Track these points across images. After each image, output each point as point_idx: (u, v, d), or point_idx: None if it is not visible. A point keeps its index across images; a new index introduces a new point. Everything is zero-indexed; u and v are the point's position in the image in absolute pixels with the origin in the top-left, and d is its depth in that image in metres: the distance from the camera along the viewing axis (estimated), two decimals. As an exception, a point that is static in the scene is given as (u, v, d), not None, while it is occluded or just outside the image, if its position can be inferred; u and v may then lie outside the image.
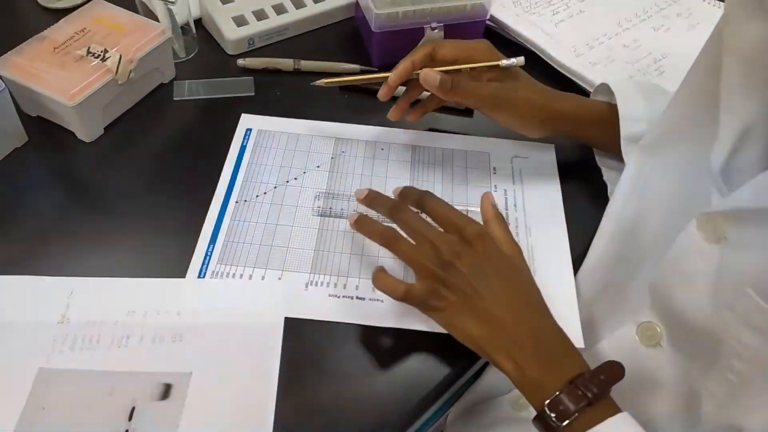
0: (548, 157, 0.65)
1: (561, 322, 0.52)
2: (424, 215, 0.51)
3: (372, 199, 0.53)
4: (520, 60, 0.59)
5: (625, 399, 0.44)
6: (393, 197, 0.54)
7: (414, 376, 0.50)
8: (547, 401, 0.43)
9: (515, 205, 0.61)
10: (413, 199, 0.52)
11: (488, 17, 0.74)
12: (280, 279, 0.54)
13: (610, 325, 0.53)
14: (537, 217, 0.60)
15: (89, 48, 0.62)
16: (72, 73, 0.60)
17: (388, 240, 0.50)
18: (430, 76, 0.56)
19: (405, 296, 0.48)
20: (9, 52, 0.61)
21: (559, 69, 0.73)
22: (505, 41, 0.78)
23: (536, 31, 0.76)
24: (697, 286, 0.44)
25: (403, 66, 0.58)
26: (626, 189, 0.56)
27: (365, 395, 0.49)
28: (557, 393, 0.43)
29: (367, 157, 0.64)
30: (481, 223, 0.52)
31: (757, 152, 0.42)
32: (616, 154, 0.60)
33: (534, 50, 0.74)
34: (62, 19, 0.65)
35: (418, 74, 0.57)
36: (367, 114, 0.68)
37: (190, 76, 0.71)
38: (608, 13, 0.80)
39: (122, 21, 0.66)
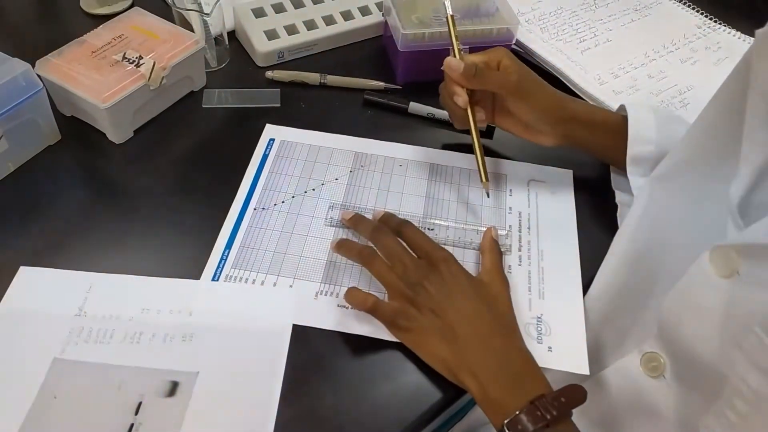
0: (566, 181, 0.65)
1: (568, 348, 0.53)
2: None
3: (356, 221, 0.58)
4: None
5: (624, 428, 0.44)
6: (371, 219, 0.57)
7: (415, 392, 0.50)
8: (507, 420, 0.44)
9: (529, 228, 0.61)
10: (393, 225, 0.56)
11: (514, 42, 0.75)
12: (291, 287, 0.55)
13: (614, 353, 0.53)
14: (550, 242, 0.60)
15: (125, 54, 0.64)
16: (107, 77, 0.62)
17: (365, 258, 0.54)
18: (454, 62, 0.58)
19: (372, 308, 0.51)
20: (49, 54, 0.64)
21: (582, 96, 0.73)
22: (531, 66, 0.78)
23: (561, 57, 0.77)
24: (705, 320, 0.43)
25: (456, 88, 0.59)
26: (637, 217, 0.56)
27: (366, 406, 0.49)
28: (517, 413, 0.44)
29: (385, 173, 0.65)
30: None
31: None
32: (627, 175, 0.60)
33: (558, 76, 0.75)
34: (102, 25, 0.68)
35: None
36: (388, 130, 0.69)
37: (220, 85, 0.73)
38: (636, 44, 0.80)
39: (158, 30, 0.68)
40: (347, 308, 0.54)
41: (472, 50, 0.72)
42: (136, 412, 0.46)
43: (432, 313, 0.49)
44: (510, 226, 0.61)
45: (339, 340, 0.52)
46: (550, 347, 0.53)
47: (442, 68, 0.60)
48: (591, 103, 0.63)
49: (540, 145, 0.62)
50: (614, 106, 0.71)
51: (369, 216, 0.59)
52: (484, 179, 0.60)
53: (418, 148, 0.68)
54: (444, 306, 0.49)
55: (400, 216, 0.58)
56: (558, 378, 0.49)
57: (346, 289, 0.53)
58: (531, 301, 0.56)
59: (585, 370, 0.51)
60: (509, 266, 0.58)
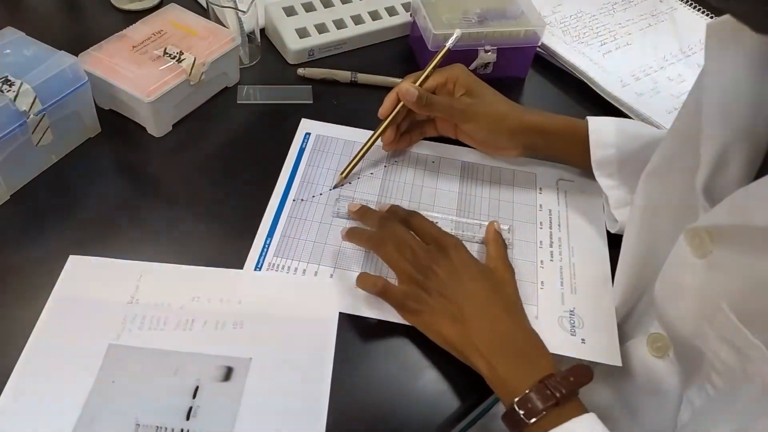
0: (595, 180, 0.67)
1: (601, 341, 0.55)
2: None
3: (363, 213, 0.59)
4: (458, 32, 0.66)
5: (633, 407, 0.46)
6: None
7: (456, 382, 0.52)
8: (517, 399, 0.46)
9: (559, 225, 0.64)
10: (400, 216, 0.57)
11: (540, 44, 0.78)
12: (332, 276, 0.57)
13: (622, 336, 0.55)
14: (580, 239, 0.62)
15: (166, 49, 0.66)
16: (149, 71, 0.64)
17: (374, 243, 0.56)
18: (410, 92, 0.61)
19: (383, 291, 0.53)
20: (90, 48, 0.65)
21: (606, 98, 0.75)
22: (554, 69, 0.81)
23: (584, 59, 0.79)
24: (684, 298, 0.47)
25: (389, 99, 0.64)
26: (639, 212, 0.58)
27: (412, 394, 0.51)
28: (526, 391, 0.45)
29: (419, 169, 0.67)
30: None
31: (736, 173, 0.45)
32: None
33: (582, 78, 0.77)
34: (140, 21, 0.69)
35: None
36: (420, 128, 0.71)
37: (252, 82, 0.74)
38: (654, 47, 0.83)
39: (196, 26, 0.70)
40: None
41: (499, 51, 0.75)
42: (194, 396, 0.47)
43: (441, 296, 0.51)
44: (541, 223, 0.63)
45: (382, 328, 0.54)
46: (583, 339, 0.55)
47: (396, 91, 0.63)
48: (585, 122, 0.65)
49: (505, 158, 0.67)
50: (638, 108, 0.74)
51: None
52: (340, 173, 0.64)
53: (449, 146, 0.69)
54: (452, 289, 0.51)
55: (435, 209, 0.61)
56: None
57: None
58: (564, 295, 0.58)
59: (618, 361, 0.53)
60: (541, 261, 0.60)
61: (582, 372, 0.47)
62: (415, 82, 0.63)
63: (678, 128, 0.54)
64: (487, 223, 0.61)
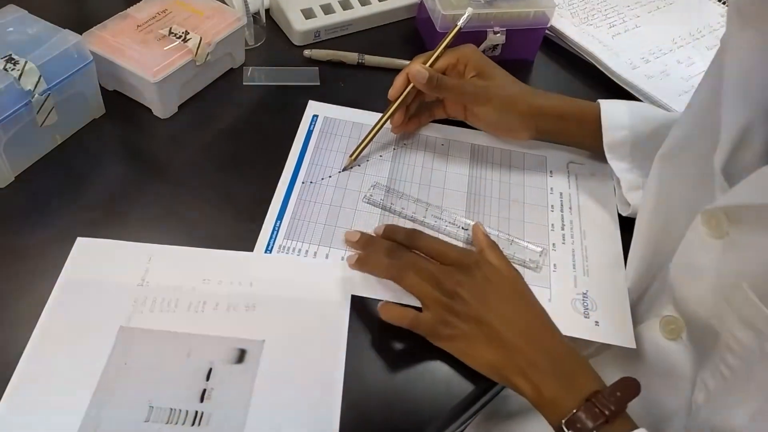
0: (605, 163, 0.67)
1: (614, 323, 0.54)
2: None
3: (365, 243, 0.53)
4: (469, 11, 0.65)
5: (646, 389, 0.46)
6: (373, 233, 0.55)
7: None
8: (564, 420, 0.44)
9: (570, 208, 0.63)
10: (402, 237, 0.53)
11: (549, 26, 0.77)
12: (343, 259, 0.56)
13: (634, 319, 0.55)
14: (592, 220, 0.62)
15: (171, 28, 0.64)
16: (154, 51, 0.62)
17: (394, 273, 0.51)
18: (421, 73, 0.60)
19: (414, 324, 0.50)
20: (94, 27, 0.64)
21: (616, 81, 0.75)
22: (562, 52, 0.80)
23: (593, 42, 0.78)
24: (700, 279, 0.46)
25: (399, 80, 0.62)
26: (653, 195, 0.57)
27: (426, 376, 0.51)
28: (574, 411, 0.44)
29: (428, 152, 0.66)
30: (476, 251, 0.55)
31: (757, 152, 0.44)
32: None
33: (592, 61, 0.77)
34: (143, 0, 0.68)
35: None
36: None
37: (257, 63, 0.73)
38: (663, 30, 0.82)
39: (200, 6, 0.68)
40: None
41: (508, 32, 0.74)
42: (207, 378, 0.47)
43: (473, 320, 0.49)
44: (552, 206, 0.63)
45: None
46: (596, 322, 0.55)
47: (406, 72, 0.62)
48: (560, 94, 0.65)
49: (515, 140, 0.66)
50: (648, 91, 0.73)
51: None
52: (349, 155, 0.63)
53: (458, 129, 0.69)
54: (484, 311, 0.49)
55: (445, 192, 0.60)
56: None
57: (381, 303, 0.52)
58: (576, 278, 0.58)
59: (632, 343, 0.53)
60: (553, 244, 0.60)
61: (628, 385, 0.45)
62: (425, 63, 0.62)
63: (694, 108, 0.53)
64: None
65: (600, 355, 0.59)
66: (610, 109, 0.62)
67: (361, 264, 0.53)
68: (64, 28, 0.59)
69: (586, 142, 0.65)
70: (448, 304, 0.49)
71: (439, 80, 0.60)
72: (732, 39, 0.45)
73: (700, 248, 0.47)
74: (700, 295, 0.47)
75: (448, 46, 0.64)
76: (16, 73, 0.54)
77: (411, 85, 0.61)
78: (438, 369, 0.51)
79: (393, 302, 0.52)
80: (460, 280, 0.50)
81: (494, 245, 0.54)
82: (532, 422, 0.62)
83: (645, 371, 0.54)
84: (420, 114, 0.67)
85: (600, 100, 0.63)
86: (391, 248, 0.52)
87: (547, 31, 0.79)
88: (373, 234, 0.55)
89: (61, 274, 0.52)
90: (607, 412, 0.43)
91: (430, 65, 0.62)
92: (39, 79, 0.55)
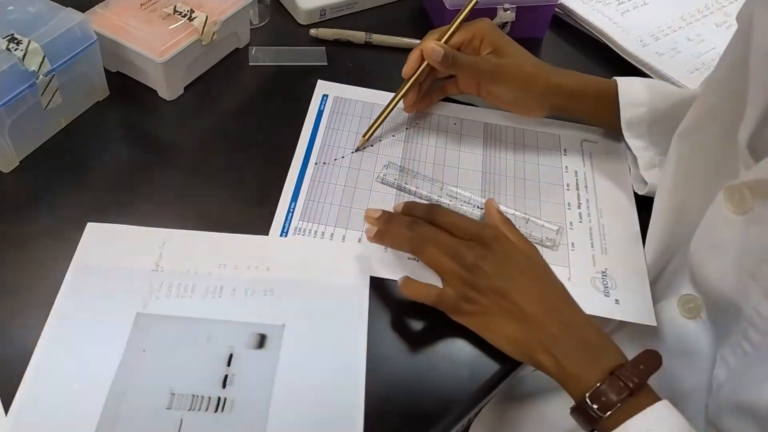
0: (620, 141, 0.66)
1: (635, 301, 0.54)
2: None
3: (387, 220, 0.52)
4: None
5: (664, 370, 0.45)
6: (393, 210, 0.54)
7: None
8: (588, 393, 0.44)
9: (586, 187, 0.62)
10: (422, 212, 0.52)
11: (558, 3, 0.75)
12: (359, 241, 0.55)
13: (653, 298, 0.54)
14: (607, 199, 0.61)
15: (175, 7, 0.63)
16: (159, 30, 0.61)
17: (415, 246, 0.51)
18: (436, 50, 0.58)
19: (437, 300, 0.49)
20: (96, 6, 0.62)
21: (626, 58, 0.74)
22: (571, 30, 0.79)
23: (603, 19, 0.77)
24: (723, 255, 0.46)
25: (412, 57, 0.60)
26: (671, 173, 0.57)
27: (445, 358, 0.50)
28: (598, 385, 0.43)
29: (441, 131, 0.65)
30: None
31: None
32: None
33: (602, 38, 0.76)
34: (146, -23, 0.66)
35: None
36: (439, 90, 0.69)
37: (262, 43, 0.72)
38: (671, 6, 0.81)
39: (204, -17, 0.66)
40: (416, 260, 0.54)
41: (518, 9, 0.73)
42: (228, 363, 0.46)
43: (495, 294, 0.48)
44: (567, 185, 0.62)
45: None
46: (617, 300, 0.54)
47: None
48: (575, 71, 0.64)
49: (529, 117, 0.65)
50: (659, 68, 0.72)
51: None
52: (362, 135, 0.62)
53: (470, 108, 0.68)
54: (506, 285, 0.48)
55: (459, 172, 0.59)
56: None
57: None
58: (594, 257, 0.57)
59: (652, 321, 0.53)
60: (570, 223, 0.59)
61: (651, 358, 0.45)
62: (439, 39, 0.60)
63: (716, 83, 0.52)
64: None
65: (616, 334, 0.58)
66: (628, 87, 0.61)
67: (380, 237, 0.52)
68: (66, 6, 0.57)
69: (603, 120, 0.64)
70: (468, 278, 0.48)
71: (455, 57, 0.59)
72: (759, 9, 0.45)
73: (723, 225, 0.46)
74: (722, 271, 0.47)
75: (463, 21, 0.62)
76: (19, 54, 0.52)
77: (425, 62, 0.60)
78: (461, 350, 0.50)
79: (414, 279, 0.51)
80: (481, 253, 0.49)
81: (508, 221, 0.54)
82: (548, 403, 0.62)
83: (663, 350, 0.53)
84: (432, 92, 0.65)
85: (616, 77, 0.62)
86: (411, 222, 0.51)
87: (556, 9, 0.77)
88: (392, 211, 0.54)
89: (72, 260, 0.50)
90: (631, 385, 0.43)
91: (445, 41, 0.60)
92: (43, 59, 0.53)
